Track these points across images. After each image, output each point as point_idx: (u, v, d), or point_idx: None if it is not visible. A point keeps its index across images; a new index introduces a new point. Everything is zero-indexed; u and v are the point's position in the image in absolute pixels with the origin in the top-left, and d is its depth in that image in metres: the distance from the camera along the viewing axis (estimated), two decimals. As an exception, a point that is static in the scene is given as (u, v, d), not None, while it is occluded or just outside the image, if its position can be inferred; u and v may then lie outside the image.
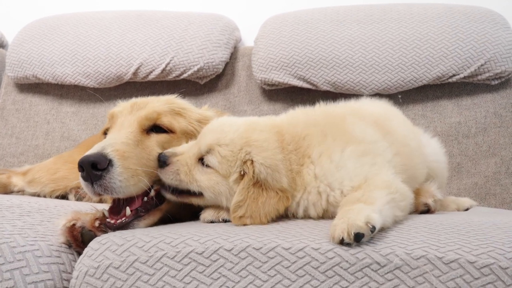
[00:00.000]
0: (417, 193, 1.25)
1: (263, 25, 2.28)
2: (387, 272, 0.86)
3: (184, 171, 1.11)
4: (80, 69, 2.26)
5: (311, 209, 1.10)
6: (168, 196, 1.15)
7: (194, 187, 1.11)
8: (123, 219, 1.10)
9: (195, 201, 1.14)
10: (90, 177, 1.06)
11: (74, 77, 2.27)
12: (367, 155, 1.11)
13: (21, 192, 1.88)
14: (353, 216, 0.91)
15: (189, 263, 0.92)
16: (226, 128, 1.13)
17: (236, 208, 1.05)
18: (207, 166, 1.10)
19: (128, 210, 1.11)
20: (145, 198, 1.14)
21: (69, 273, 1.02)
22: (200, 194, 1.12)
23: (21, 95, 2.42)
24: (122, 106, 1.27)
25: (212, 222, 1.12)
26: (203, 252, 0.92)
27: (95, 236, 1.04)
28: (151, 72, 2.20)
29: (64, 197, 1.82)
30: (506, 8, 2.25)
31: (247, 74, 2.27)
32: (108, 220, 1.09)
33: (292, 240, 0.93)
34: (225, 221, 1.12)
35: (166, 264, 0.92)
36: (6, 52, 2.53)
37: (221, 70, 2.24)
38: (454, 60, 2.01)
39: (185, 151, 1.14)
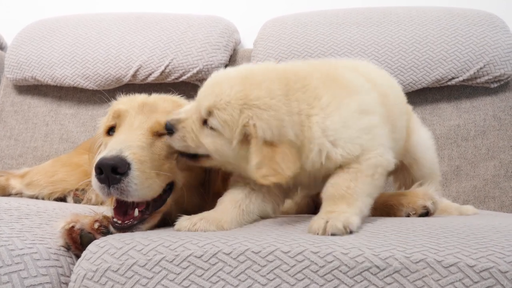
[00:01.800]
0: (415, 195, 1.25)
1: (263, 28, 2.28)
2: (386, 276, 0.85)
3: (190, 138, 1.10)
4: (79, 71, 2.26)
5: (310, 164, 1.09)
6: (184, 160, 1.15)
7: (202, 151, 1.10)
8: (131, 220, 1.10)
9: (207, 163, 1.13)
10: (109, 180, 1.04)
11: (73, 79, 2.27)
12: (368, 114, 1.11)
13: (19, 194, 1.88)
14: (335, 216, 1.00)
15: (187, 266, 0.92)
16: (220, 89, 1.08)
17: (258, 170, 1.03)
18: (211, 128, 1.08)
19: (136, 212, 1.10)
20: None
21: (68, 276, 1.01)
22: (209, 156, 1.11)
23: (20, 97, 2.42)
24: (128, 105, 1.24)
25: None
26: (202, 255, 0.92)
27: (94, 238, 1.04)
28: (150, 74, 2.20)
29: (62, 199, 1.82)
30: (505, 12, 2.25)
31: (247, 77, 2.26)
32: (115, 220, 1.09)
33: (291, 244, 0.92)
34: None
35: (164, 268, 0.92)
36: (5, 53, 2.53)
37: (220, 72, 2.23)
38: (453, 63, 2.01)
39: (188, 116, 1.11)
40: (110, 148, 1.08)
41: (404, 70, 2.03)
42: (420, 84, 2.04)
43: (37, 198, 1.81)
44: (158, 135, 1.17)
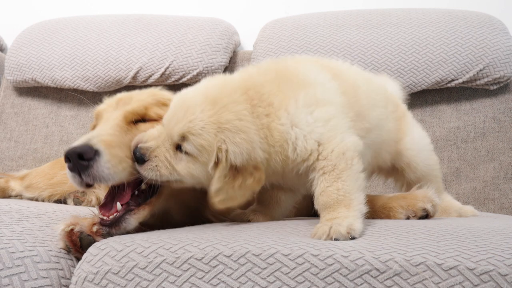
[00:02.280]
0: (414, 198, 1.25)
1: (262, 30, 2.29)
2: (386, 279, 0.86)
3: (164, 166, 1.08)
4: (79, 73, 2.26)
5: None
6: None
7: (174, 177, 1.09)
8: (114, 214, 1.09)
9: (175, 185, 1.13)
10: (77, 168, 1.06)
11: (73, 81, 2.27)
12: (319, 105, 1.10)
13: (19, 196, 1.88)
14: (337, 221, 1.00)
15: (188, 269, 0.92)
16: (192, 113, 1.07)
17: (215, 195, 1.05)
18: (186, 153, 1.07)
19: (118, 205, 1.10)
20: (136, 192, 1.14)
21: (68, 279, 1.02)
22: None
23: (20, 99, 2.42)
24: (107, 103, 1.26)
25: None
26: (203, 258, 0.92)
27: (94, 241, 1.04)
28: (151, 76, 2.21)
29: (62, 201, 1.82)
30: (505, 14, 2.25)
31: (246, 78, 2.26)
32: (100, 216, 1.09)
33: (292, 246, 0.93)
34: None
35: (165, 270, 0.92)
36: (5, 55, 2.53)
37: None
38: (453, 65, 2.02)
39: (159, 144, 1.09)
40: (80, 138, 1.10)
41: (404, 72, 2.03)
42: (419, 86, 2.04)
43: (36, 200, 1.81)
44: (133, 123, 1.18)
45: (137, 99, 1.23)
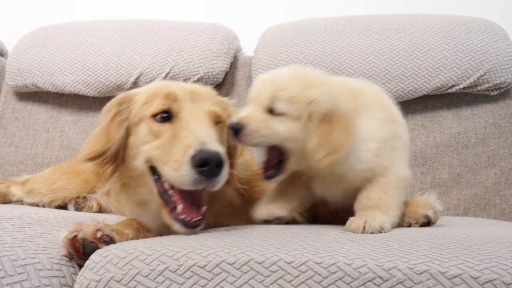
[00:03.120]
0: (416, 204, 1.25)
1: (263, 35, 2.29)
2: (390, 287, 0.85)
3: (264, 126, 1.13)
4: (80, 78, 2.26)
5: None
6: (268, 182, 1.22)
7: (275, 140, 1.14)
8: (200, 217, 1.13)
9: (288, 167, 1.18)
10: (210, 173, 1.08)
11: (74, 86, 2.27)
12: (396, 138, 1.23)
13: (19, 202, 1.88)
14: (371, 218, 1.12)
15: (191, 276, 0.91)
16: (277, 80, 1.16)
17: (318, 151, 1.10)
18: (279, 114, 1.13)
19: (204, 209, 1.14)
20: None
21: (70, 286, 1.01)
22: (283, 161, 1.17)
23: (21, 104, 2.42)
24: (179, 89, 1.22)
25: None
26: (205, 265, 0.92)
27: (97, 247, 1.04)
28: (152, 81, 2.20)
29: (63, 207, 1.82)
30: (505, 20, 2.26)
31: (247, 84, 2.27)
32: (184, 217, 1.12)
33: (295, 254, 0.92)
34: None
35: (168, 278, 0.92)
36: (5, 60, 2.53)
37: (221, 80, 2.24)
38: (454, 70, 2.02)
39: (249, 112, 1.15)
40: (209, 139, 1.10)
41: (404, 78, 2.04)
42: (420, 92, 2.04)
43: (37, 205, 1.81)
44: (215, 123, 1.21)
45: (209, 98, 1.24)
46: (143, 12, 2.63)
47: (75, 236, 1.04)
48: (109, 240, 1.05)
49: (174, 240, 1.06)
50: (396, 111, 1.29)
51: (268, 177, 1.20)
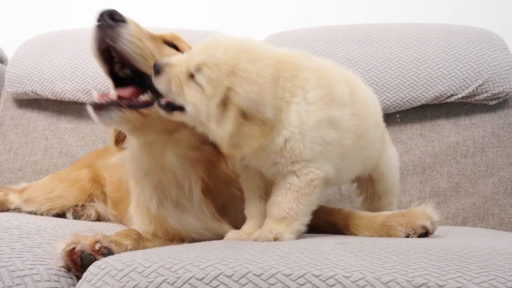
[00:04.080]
0: (413, 215, 1.25)
1: (262, 44, 2.29)
2: (388, 300, 0.85)
3: (175, 83, 1.12)
4: (79, 86, 2.27)
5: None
6: (157, 108, 1.17)
7: (180, 100, 1.12)
8: (105, 99, 1.15)
9: (177, 116, 1.15)
10: (104, 27, 1.13)
11: (73, 94, 2.28)
12: (334, 128, 1.16)
13: (17, 210, 1.88)
14: (268, 231, 1.16)
15: (189, 289, 0.91)
16: (215, 51, 1.11)
17: (227, 138, 1.08)
18: (196, 84, 1.11)
19: (114, 94, 1.16)
20: (141, 98, 1.19)
21: (68, 297, 1.01)
22: (182, 110, 1.14)
23: (20, 111, 2.42)
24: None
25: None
26: (204, 278, 0.92)
27: (95, 259, 1.03)
28: (151, 88, 2.21)
29: (61, 215, 1.82)
30: (504, 29, 2.27)
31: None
32: (94, 100, 1.16)
33: (293, 266, 0.92)
34: None
35: (166, 290, 0.92)
36: (5, 67, 2.54)
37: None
38: (452, 80, 2.02)
39: (177, 64, 1.14)
40: None
41: (403, 87, 2.04)
42: (419, 101, 2.05)
43: (35, 214, 1.81)
44: (167, 43, 1.27)
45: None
46: (142, 19, 2.63)
47: (73, 249, 1.03)
48: (107, 252, 1.05)
49: (172, 251, 1.06)
50: (343, 91, 1.21)
51: (162, 106, 1.17)
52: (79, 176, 1.83)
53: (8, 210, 1.88)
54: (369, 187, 1.51)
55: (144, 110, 1.18)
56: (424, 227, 1.22)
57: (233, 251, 1.03)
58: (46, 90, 2.30)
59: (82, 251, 1.04)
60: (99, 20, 1.13)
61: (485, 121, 2.07)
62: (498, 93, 2.02)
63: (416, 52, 2.08)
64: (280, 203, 1.16)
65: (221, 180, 1.32)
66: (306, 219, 1.19)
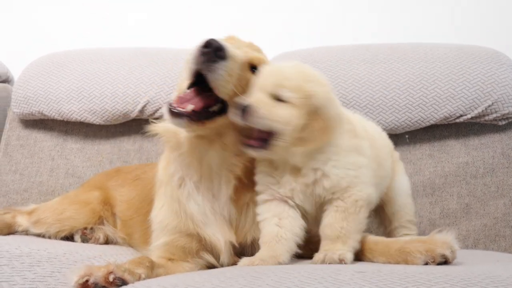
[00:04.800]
0: (434, 243, 1.23)
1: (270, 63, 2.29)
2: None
3: (267, 109, 1.21)
4: (86, 106, 2.26)
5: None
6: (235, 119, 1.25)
7: (275, 123, 1.21)
8: (180, 108, 1.21)
9: (279, 146, 1.24)
10: (207, 55, 1.18)
11: (80, 114, 2.27)
12: (360, 153, 1.32)
13: (25, 232, 1.86)
14: (332, 252, 1.22)
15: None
16: (281, 70, 1.26)
17: (296, 130, 1.21)
18: (282, 101, 1.22)
19: (190, 106, 1.21)
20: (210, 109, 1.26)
21: (82, 329, 0.99)
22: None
23: (26, 131, 2.41)
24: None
25: None
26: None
27: (110, 291, 1.02)
28: (158, 109, 2.20)
29: (68, 238, 1.80)
30: (510, 48, 2.27)
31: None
32: (172, 104, 1.22)
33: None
34: None
35: (183, 323, 0.90)
36: (11, 87, 2.53)
37: (227, 108, 2.24)
38: (461, 100, 2.02)
39: (253, 99, 1.22)
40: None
41: (412, 108, 2.03)
42: (428, 122, 2.04)
43: (44, 236, 1.79)
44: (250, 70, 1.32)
45: (251, 48, 1.38)
46: (150, 40, 2.64)
47: (87, 281, 1.01)
48: (121, 283, 1.03)
49: (187, 279, 1.04)
50: (358, 126, 1.37)
51: (253, 146, 1.25)
52: (90, 198, 1.82)
53: (15, 232, 1.86)
54: (380, 211, 1.62)
55: (208, 123, 1.26)
56: (443, 256, 1.20)
57: (250, 280, 1.01)
58: (52, 110, 2.29)
59: (96, 283, 1.02)
60: (205, 47, 1.18)
61: (495, 142, 2.06)
62: (508, 114, 2.01)
63: (424, 72, 2.07)
64: (332, 224, 1.26)
65: (247, 188, 1.38)
66: (358, 236, 1.28)
